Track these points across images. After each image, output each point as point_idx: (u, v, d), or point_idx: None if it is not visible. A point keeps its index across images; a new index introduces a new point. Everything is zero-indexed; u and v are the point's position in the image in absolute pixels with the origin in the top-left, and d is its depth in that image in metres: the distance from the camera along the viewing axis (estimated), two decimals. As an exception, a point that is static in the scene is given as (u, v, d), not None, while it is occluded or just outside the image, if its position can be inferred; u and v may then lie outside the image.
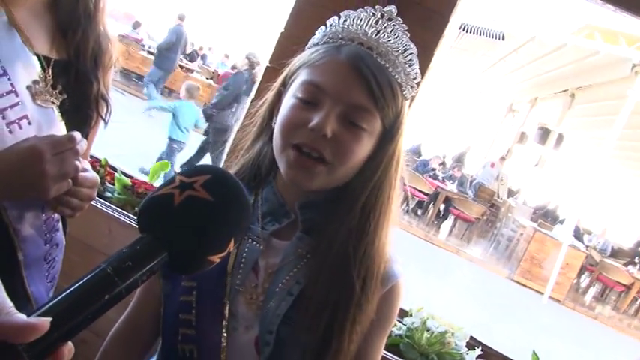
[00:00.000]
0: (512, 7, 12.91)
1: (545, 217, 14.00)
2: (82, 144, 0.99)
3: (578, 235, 13.03)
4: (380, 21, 0.92)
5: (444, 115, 21.31)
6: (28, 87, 1.02)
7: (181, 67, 13.10)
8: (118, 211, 1.87)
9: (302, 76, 0.90)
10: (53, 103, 1.06)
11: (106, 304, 0.47)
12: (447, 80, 18.18)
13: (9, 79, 0.99)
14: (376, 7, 0.93)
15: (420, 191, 11.90)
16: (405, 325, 1.88)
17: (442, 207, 12.61)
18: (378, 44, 0.90)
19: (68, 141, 0.95)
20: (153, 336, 1.04)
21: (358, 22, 0.92)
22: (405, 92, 0.93)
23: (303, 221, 0.95)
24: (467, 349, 1.88)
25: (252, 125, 1.03)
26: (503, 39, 10.39)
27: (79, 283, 0.46)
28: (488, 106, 21.02)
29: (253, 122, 1.02)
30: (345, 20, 0.93)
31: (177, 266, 0.55)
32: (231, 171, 0.98)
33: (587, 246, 12.48)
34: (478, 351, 1.89)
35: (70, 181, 0.98)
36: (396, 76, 0.91)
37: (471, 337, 1.94)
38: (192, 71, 13.35)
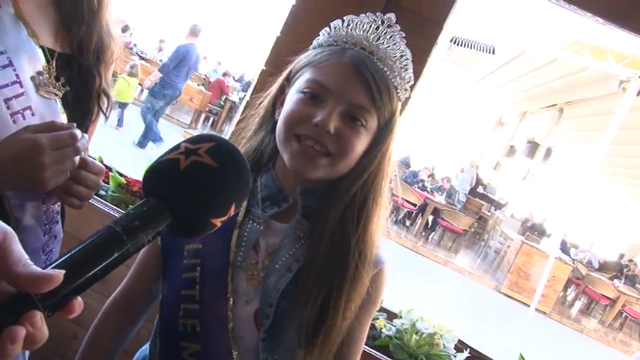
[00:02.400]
0: (503, 22, 13.07)
1: (533, 230, 14.10)
2: (82, 141, 1.00)
3: (565, 248, 13.14)
4: (380, 27, 0.99)
5: (434, 127, 21.45)
6: (32, 78, 1.04)
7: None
8: (112, 209, 1.88)
9: (307, 75, 0.97)
10: (56, 95, 1.08)
11: (115, 261, 0.49)
12: (438, 92, 18.33)
13: (14, 70, 1.00)
14: (377, 13, 1.00)
15: (408, 202, 11.95)
16: (394, 326, 1.90)
17: (430, 218, 12.66)
18: (378, 49, 0.97)
19: (69, 137, 0.97)
20: (146, 307, 1.14)
21: (361, 27, 0.99)
22: (399, 94, 1.00)
23: (304, 206, 1.01)
24: (455, 351, 1.90)
25: (255, 117, 1.09)
26: (493, 53, 10.51)
27: (89, 241, 0.48)
28: (478, 119, 21.20)
29: (256, 114, 1.09)
30: (349, 25, 1.00)
31: (181, 228, 0.57)
32: None
33: (573, 259, 12.57)
34: (466, 354, 1.91)
35: (67, 173, 0.99)
36: (393, 80, 0.98)
37: (459, 341, 1.96)
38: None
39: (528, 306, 9.98)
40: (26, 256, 0.45)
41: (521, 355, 1.97)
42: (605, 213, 21.59)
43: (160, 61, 13.96)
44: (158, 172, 0.58)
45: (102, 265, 0.48)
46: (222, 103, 12.80)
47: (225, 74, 14.62)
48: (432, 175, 14.46)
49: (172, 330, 1.00)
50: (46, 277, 0.43)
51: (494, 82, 13.86)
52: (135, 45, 14.74)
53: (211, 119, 13.21)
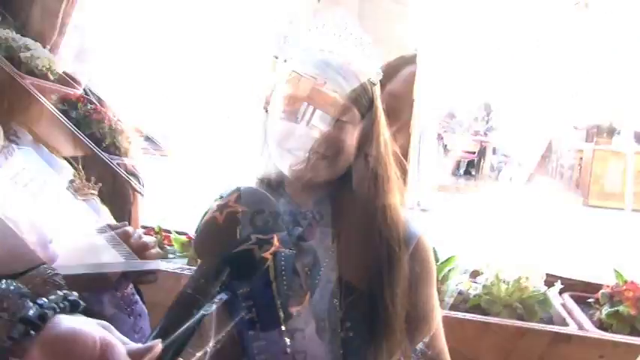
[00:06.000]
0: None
1: (600, 134, 13.51)
2: (135, 235, 1.09)
3: None
4: (336, 28, 1.02)
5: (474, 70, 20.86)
6: (67, 188, 1.13)
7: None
8: (183, 268, 1.97)
9: (279, 92, 1.01)
10: (92, 194, 1.17)
11: (197, 317, 0.60)
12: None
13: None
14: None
15: (466, 151, 11.72)
16: (479, 284, 1.90)
17: (493, 158, 12.35)
18: (339, 45, 1.00)
19: (123, 234, 1.06)
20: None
21: (318, 33, 1.02)
22: (372, 79, 1.03)
23: (321, 216, 1.04)
24: (547, 287, 1.88)
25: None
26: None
27: (170, 309, 0.58)
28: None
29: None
30: (307, 34, 1.03)
31: (241, 273, 0.67)
32: None
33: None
34: (558, 285, 1.89)
35: None
36: (361, 69, 1.01)
37: (548, 274, 1.94)
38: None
39: (622, 210, 9.56)
40: (125, 339, 0.57)
41: (616, 271, 1.93)
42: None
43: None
44: (203, 234, 0.71)
45: (186, 323, 0.58)
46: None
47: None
48: (484, 116, 14.01)
49: None
50: (148, 348, 0.54)
51: None
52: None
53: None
